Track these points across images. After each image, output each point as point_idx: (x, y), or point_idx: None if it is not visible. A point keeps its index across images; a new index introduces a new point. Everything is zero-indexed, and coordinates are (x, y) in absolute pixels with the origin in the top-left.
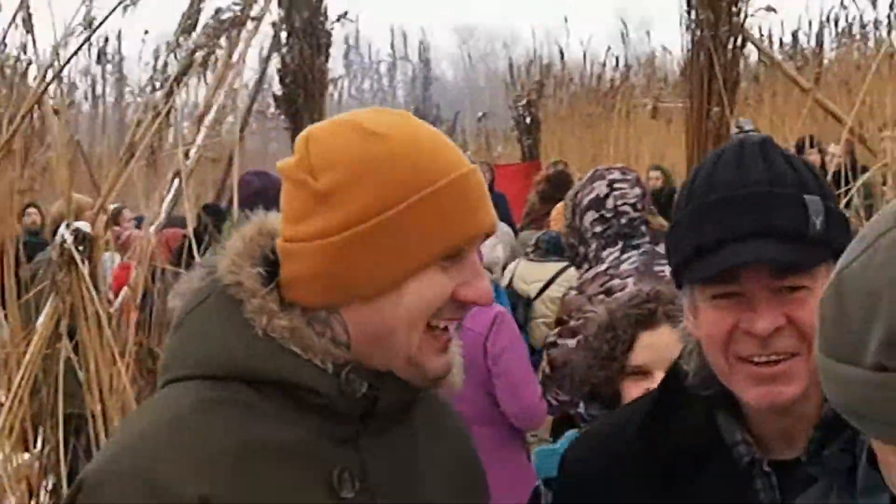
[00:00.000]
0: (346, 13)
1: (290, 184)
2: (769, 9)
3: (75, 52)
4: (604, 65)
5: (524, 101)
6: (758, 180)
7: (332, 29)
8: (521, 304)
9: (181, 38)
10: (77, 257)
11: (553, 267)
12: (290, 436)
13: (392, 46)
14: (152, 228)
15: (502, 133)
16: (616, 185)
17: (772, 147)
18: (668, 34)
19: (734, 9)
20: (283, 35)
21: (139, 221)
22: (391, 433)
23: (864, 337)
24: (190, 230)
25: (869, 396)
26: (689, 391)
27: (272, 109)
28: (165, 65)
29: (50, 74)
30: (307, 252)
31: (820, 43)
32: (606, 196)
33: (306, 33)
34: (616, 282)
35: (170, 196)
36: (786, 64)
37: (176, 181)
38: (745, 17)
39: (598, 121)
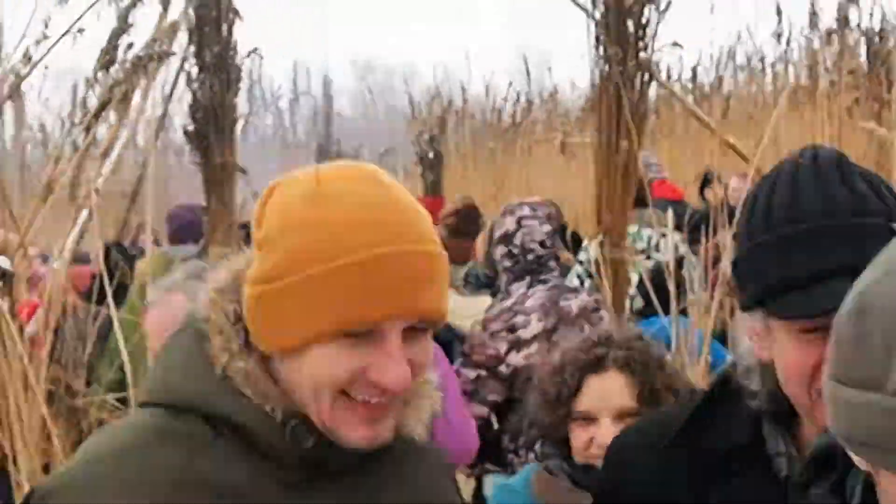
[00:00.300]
0: (256, 48)
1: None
2: (675, 44)
3: None
4: (505, 100)
5: (427, 137)
6: (844, 209)
7: (241, 64)
8: (456, 340)
9: (99, 74)
10: None
11: (484, 301)
12: (235, 475)
13: (294, 82)
14: (58, 265)
15: (402, 169)
16: (524, 222)
17: (848, 166)
18: (569, 69)
19: (641, 44)
20: (194, 70)
21: (45, 258)
22: (348, 479)
23: (887, 361)
24: (102, 266)
25: (889, 426)
26: (737, 399)
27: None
28: (84, 100)
29: None
30: (243, 296)
31: (719, 77)
32: (515, 232)
33: (217, 68)
34: (520, 318)
35: (75, 232)
36: (688, 98)
37: (82, 217)
38: (652, 52)
39: (500, 156)
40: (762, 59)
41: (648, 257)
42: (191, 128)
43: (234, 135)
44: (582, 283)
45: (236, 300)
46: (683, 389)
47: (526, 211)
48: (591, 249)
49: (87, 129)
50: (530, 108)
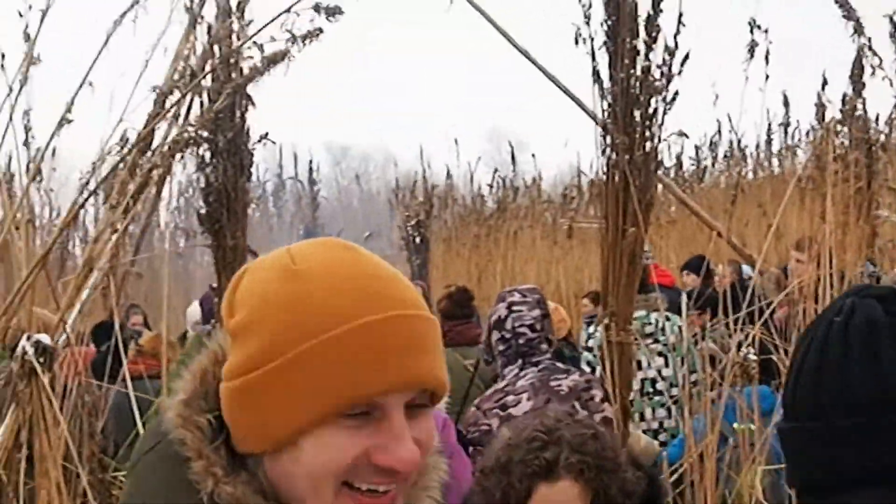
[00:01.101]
0: (267, 134)
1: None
2: (681, 133)
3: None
4: (491, 186)
5: (414, 221)
6: None
7: (254, 149)
8: None
9: (137, 158)
10: (38, 368)
11: None
12: None
13: (280, 165)
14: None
15: (380, 252)
16: (514, 308)
17: None
18: (545, 156)
19: (648, 133)
20: (207, 155)
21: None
22: None
23: None
24: (120, 343)
25: None
26: None
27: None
28: (124, 184)
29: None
30: (222, 392)
31: (707, 164)
32: (506, 318)
33: (230, 153)
34: (510, 398)
35: (76, 311)
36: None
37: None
38: (659, 141)
39: (484, 242)
40: (742, 148)
41: (656, 341)
42: (203, 210)
43: (246, 217)
44: (593, 370)
45: (208, 409)
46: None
47: (516, 297)
48: (598, 335)
49: (126, 211)
50: (515, 195)
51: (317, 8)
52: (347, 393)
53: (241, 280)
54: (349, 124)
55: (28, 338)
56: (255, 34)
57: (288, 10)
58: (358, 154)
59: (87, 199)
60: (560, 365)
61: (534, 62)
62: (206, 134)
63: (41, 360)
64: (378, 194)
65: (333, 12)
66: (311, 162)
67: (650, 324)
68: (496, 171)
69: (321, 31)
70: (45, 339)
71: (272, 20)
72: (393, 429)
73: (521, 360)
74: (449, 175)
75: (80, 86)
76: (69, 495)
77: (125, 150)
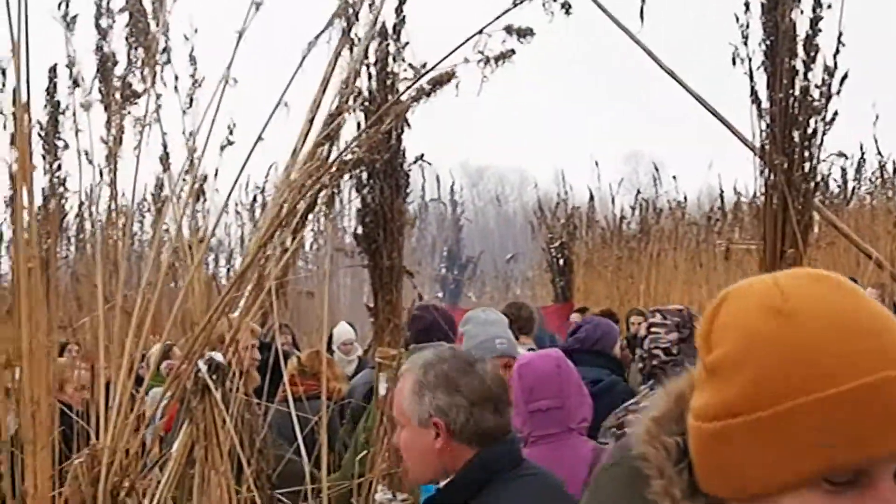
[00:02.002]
0: (422, 155)
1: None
2: (840, 154)
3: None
4: (633, 208)
5: (558, 243)
6: None
7: (409, 170)
8: None
9: (306, 179)
10: (211, 385)
11: None
12: None
13: (423, 188)
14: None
15: (521, 275)
16: (653, 329)
17: None
18: (685, 179)
19: (806, 154)
20: (364, 176)
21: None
22: None
23: None
24: (281, 362)
25: None
26: None
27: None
28: (295, 205)
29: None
30: (690, 429)
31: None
32: (645, 337)
33: (386, 174)
34: (630, 417)
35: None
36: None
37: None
38: (819, 162)
39: (627, 263)
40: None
41: None
42: (360, 231)
43: (402, 238)
44: None
45: (678, 431)
46: None
47: (657, 318)
48: None
49: (295, 233)
50: (659, 217)
51: (509, 30)
52: (841, 458)
53: (720, 309)
54: (484, 146)
55: (202, 355)
56: (446, 56)
57: (480, 32)
58: (494, 176)
59: (283, 221)
60: None
61: (681, 83)
62: (372, 155)
63: (214, 376)
64: (515, 216)
65: (525, 34)
66: (452, 184)
67: None
68: (639, 192)
69: (513, 52)
70: (217, 356)
71: (464, 42)
72: (879, 499)
73: (652, 381)
74: (591, 197)
75: (276, 107)
76: None
77: (298, 171)
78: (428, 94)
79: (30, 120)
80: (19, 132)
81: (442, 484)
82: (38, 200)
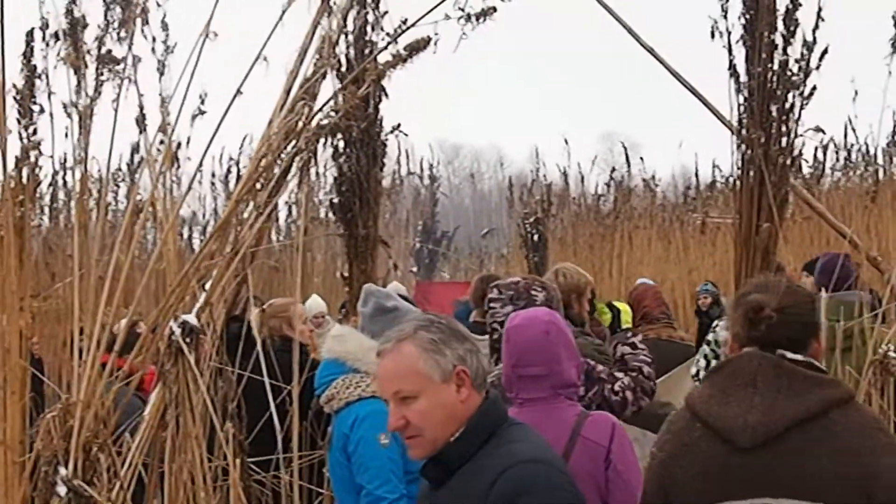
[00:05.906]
0: (399, 125)
1: None
2: (818, 129)
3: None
4: (608, 185)
5: (532, 219)
6: None
7: (386, 140)
8: None
9: (282, 143)
10: (184, 348)
11: None
12: None
13: (398, 162)
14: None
15: (496, 251)
16: (491, 304)
17: None
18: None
19: (784, 129)
20: (340, 144)
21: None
22: None
23: None
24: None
25: None
26: None
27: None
28: (269, 167)
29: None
30: None
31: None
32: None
33: (363, 143)
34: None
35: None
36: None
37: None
38: (795, 136)
39: (600, 241)
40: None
41: None
42: (336, 199)
43: (378, 208)
44: (708, 363)
45: None
46: None
47: (493, 293)
48: (719, 330)
49: (270, 197)
50: (630, 197)
51: None
52: None
53: None
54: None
55: (174, 318)
56: (428, 12)
57: None
58: (470, 153)
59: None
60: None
61: (660, 60)
62: (348, 121)
63: (187, 340)
64: (490, 193)
65: None
66: (430, 159)
67: None
68: (613, 170)
69: (494, 9)
70: (192, 319)
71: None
72: None
73: (496, 356)
74: (565, 175)
75: (255, 60)
76: (210, 473)
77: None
78: (404, 60)
79: (3, 84)
80: None
81: (457, 434)
82: (11, 164)
